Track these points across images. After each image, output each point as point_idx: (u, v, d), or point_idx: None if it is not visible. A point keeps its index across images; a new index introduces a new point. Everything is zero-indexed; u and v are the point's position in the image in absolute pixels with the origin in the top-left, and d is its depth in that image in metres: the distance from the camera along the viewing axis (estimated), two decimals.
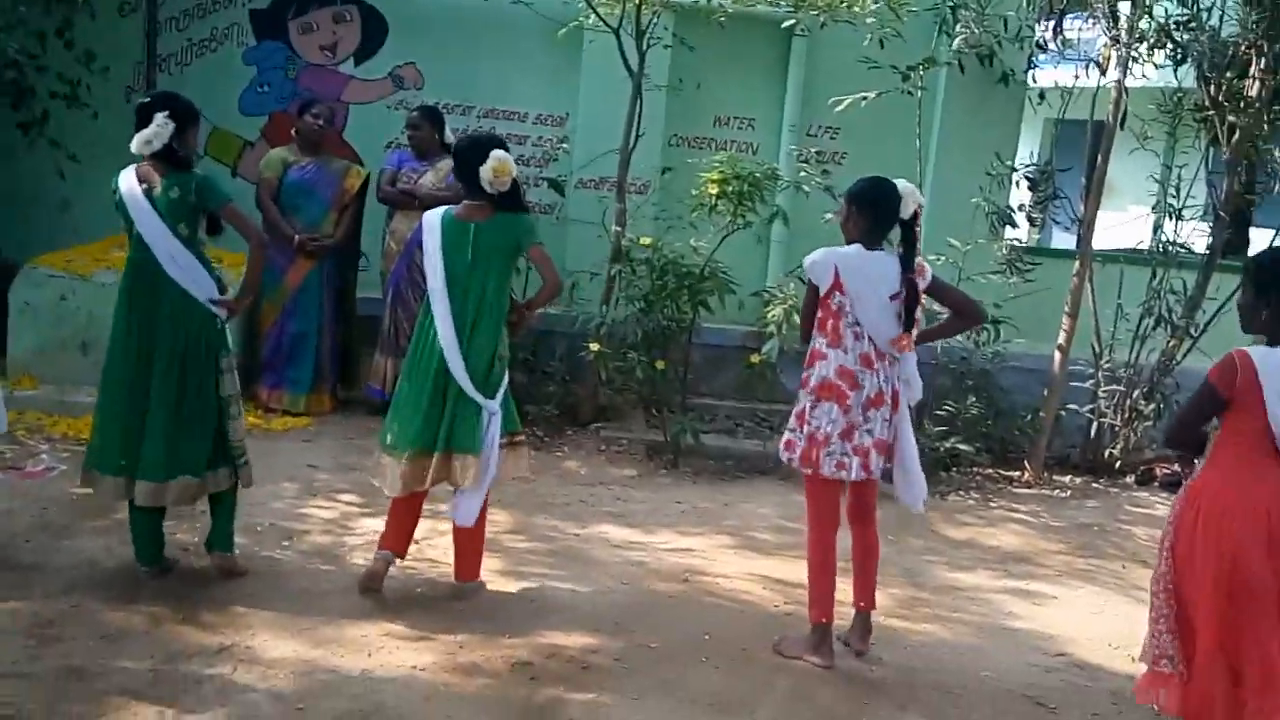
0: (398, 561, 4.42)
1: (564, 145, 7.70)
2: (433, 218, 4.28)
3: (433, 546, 4.72)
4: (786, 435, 4.13)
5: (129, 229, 4.22)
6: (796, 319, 6.24)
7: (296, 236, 6.69)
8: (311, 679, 3.64)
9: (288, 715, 3.41)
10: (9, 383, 6.32)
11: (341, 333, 7.05)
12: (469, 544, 4.41)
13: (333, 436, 6.48)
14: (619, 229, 6.87)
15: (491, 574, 4.62)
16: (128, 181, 4.20)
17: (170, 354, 4.14)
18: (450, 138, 7.08)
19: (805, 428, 4.02)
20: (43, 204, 7.40)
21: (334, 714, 3.43)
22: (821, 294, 4.01)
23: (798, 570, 4.55)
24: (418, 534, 4.53)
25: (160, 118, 4.15)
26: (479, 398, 4.20)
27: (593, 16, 6.90)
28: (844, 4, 6.75)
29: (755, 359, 6.81)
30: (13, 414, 6.00)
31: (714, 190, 6.49)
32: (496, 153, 4.16)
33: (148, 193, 4.15)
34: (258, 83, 7.81)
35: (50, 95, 6.91)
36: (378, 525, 4.99)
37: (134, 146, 4.18)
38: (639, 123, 6.97)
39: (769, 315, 6.70)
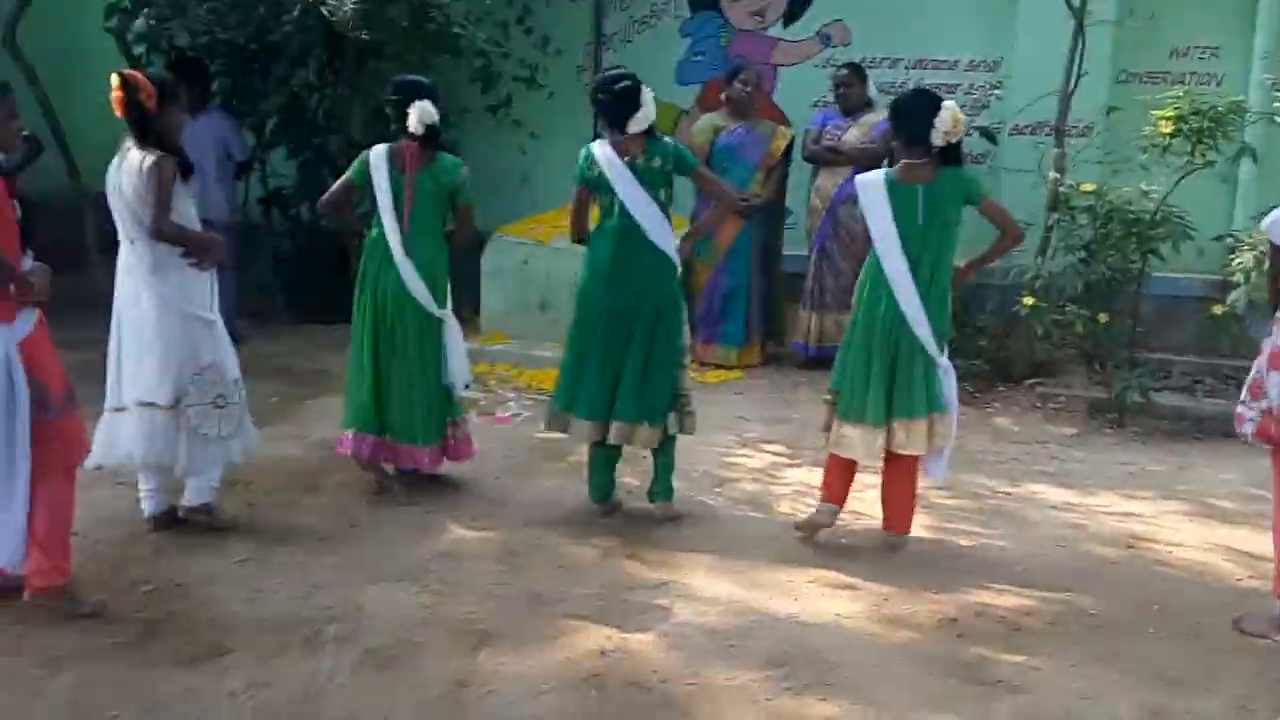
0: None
1: (996, 91, 7.34)
2: (873, 182, 4.20)
3: (859, 499, 4.72)
4: (1238, 408, 3.72)
5: (608, 198, 4.47)
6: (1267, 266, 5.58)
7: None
8: (742, 618, 3.77)
9: (720, 649, 3.55)
10: (481, 338, 7.06)
11: (770, 288, 7.20)
12: (902, 496, 4.37)
13: (761, 389, 6.65)
14: (1057, 175, 6.45)
15: (919, 529, 4.54)
16: (605, 154, 4.43)
17: (653, 312, 4.45)
18: (873, 93, 6.99)
19: (1262, 401, 3.60)
20: (507, 178, 8.15)
21: (762, 652, 3.53)
22: None
23: (1264, 542, 4.08)
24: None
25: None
26: (941, 358, 4.19)
27: None
28: None
29: (1219, 310, 6.15)
30: (484, 366, 6.73)
31: (1168, 129, 5.91)
32: (948, 103, 4.06)
33: (630, 163, 4.41)
34: (693, 52, 8.12)
35: (513, 79, 7.59)
36: (803, 476, 5.11)
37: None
38: (1081, 61, 6.48)
39: (1234, 263, 6.02)
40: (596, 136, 4.61)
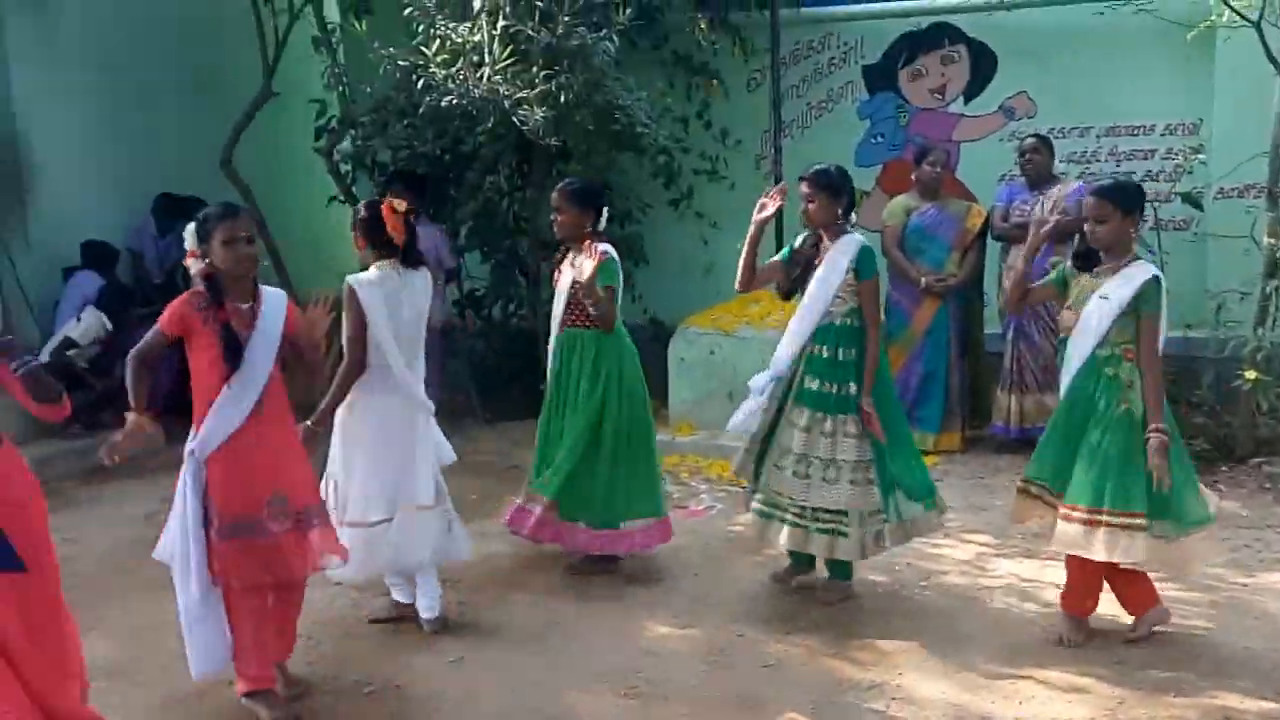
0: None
1: (1199, 156, 7.03)
2: None
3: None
4: None
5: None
6: None
7: (923, 280, 6.78)
8: None
9: None
10: (670, 429, 7.08)
11: (969, 370, 7.01)
12: (1136, 576, 4.12)
13: (960, 475, 6.43)
14: (1272, 240, 6.09)
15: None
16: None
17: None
18: (1057, 165, 6.80)
19: None
20: (690, 270, 8.23)
21: None
22: None
23: None
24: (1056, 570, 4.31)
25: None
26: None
27: (1227, 13, 6.23)
28: None
29: None
30: (674, 457, 6.74)
31: None
32: None
33: None
34: (871, 134, 8.10)
35: (694, 172, 7.71)
36: (1013, 568, 4.91)
37: None
38: None
39: None
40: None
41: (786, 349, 4.46)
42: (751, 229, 4.46)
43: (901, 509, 4.45)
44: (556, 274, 4.92)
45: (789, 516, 4.46)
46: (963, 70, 7.83)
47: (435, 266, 7.12)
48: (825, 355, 4.42)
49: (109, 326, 7.14)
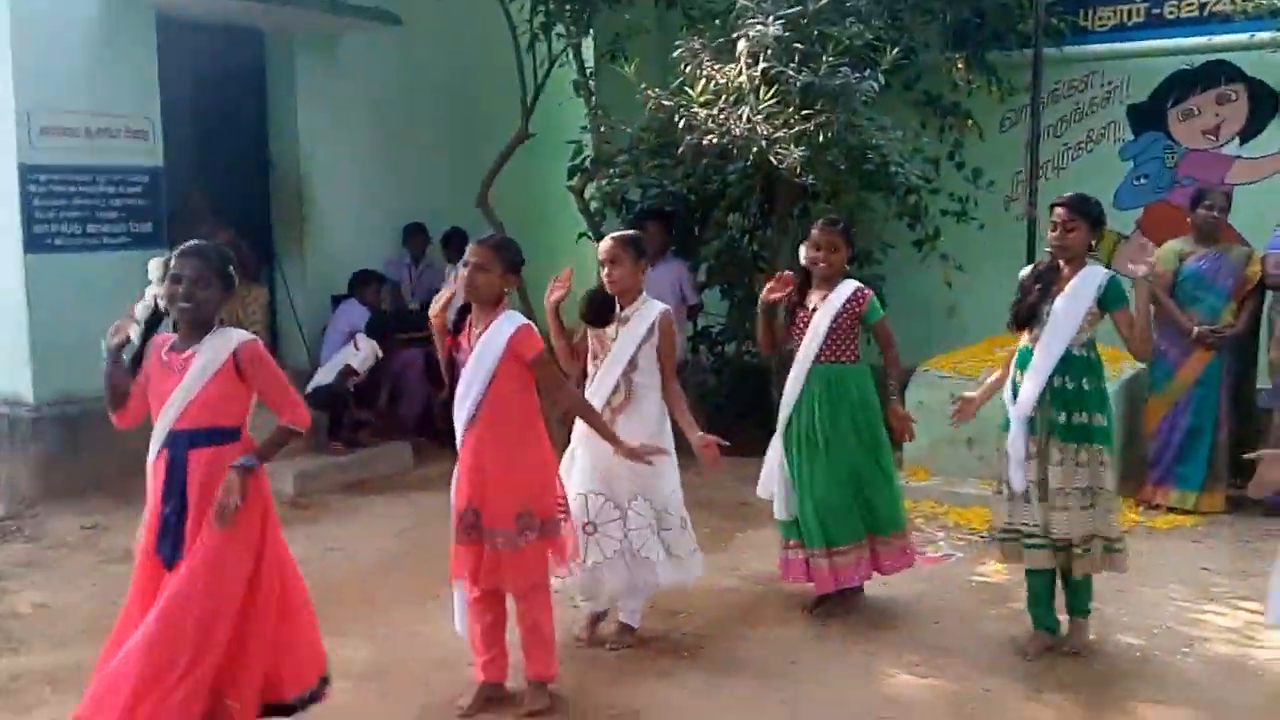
0: None
1: None
2: None
3: None
4: None
5: None
6: None
7: (1195, 329, 6.44)
8: None
9: None
10: (906, 473, 6.95)
11: (1238, 427, 6.57)
12: None
13: (1226, 538, 6.04)
14: None
15: None
16: None
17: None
18: None
19: None
20: (931, 312, 8.08)
21: None
22: None
23: None
24: None
25: None
26: None
27: None
28: None
29: None
30: (909, 502, 6.57)
31: None
32: None
33: None
34: (1134, 176, 7.78)
35: (941, 213, 7.60)
36: None
37: None
38: None
39: None
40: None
41: (1031, 385, 4.35)
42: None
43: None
44: (797, 310, 4.93)
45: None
46: (1240, 110, 7.43)
47: (678, 303, 7.33)
48: (1071, 387, 4.34)
49: (379, 354, 7.63)
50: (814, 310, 4.83)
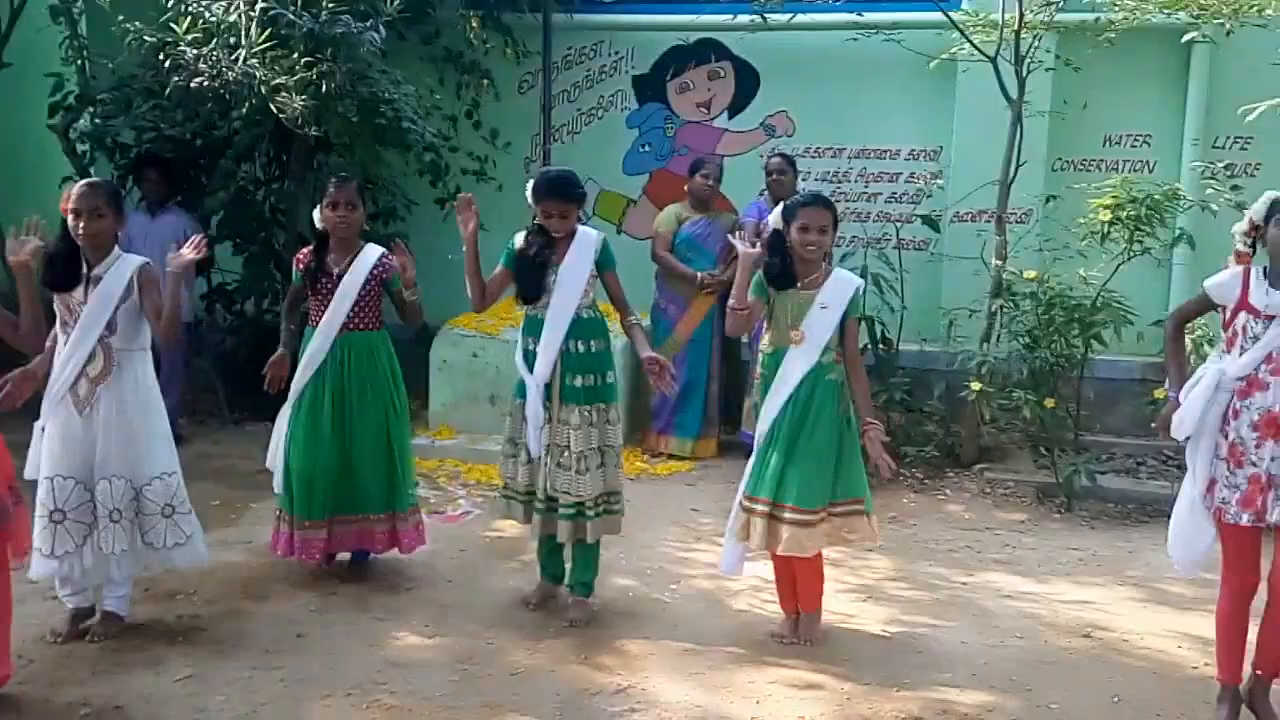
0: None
1: (938, 180, 7.49)
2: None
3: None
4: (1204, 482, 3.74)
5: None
6: (1208, 348, 5.68)
7: (699, 275, 6.92)
8: None
9: None
10: (431, 432, 6.97)
11: (728, 378, 7.21)
12: (811, 578, 4.37)
13: (714, 480, 6.62)
14: (999, 262, 6.56)
15: (876, 623, 4.52)
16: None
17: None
18: (801, 185, 7.08)
19: (1247, 469, 3.61)
20: (455, 270, 7.97)
21: None
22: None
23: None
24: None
25: None
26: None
27: (967, 47, 6.67)
28: (1252, 8, 6.06)
29: (1160, 393, 6.24)
30: (433, 462, 6.64)
31: (1106, 216, 6.04)
32: None
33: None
34: (639, 144, 8.23)
35: (462, 172, 7.62)
36: (759, 570, 5.04)
37: None
38: (1019, 151, 6.63)
39: None
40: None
41: (548, 352, 4.45)
42: (466, 247, 4.46)
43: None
44: (318, 275, 4.71)
45: (563, 510, 4.45)
46: (728, 86, 8.05)
47: None
48: (582, 350, 4.46)
49: None
50: (338, 275, 4.67)
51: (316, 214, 4.73)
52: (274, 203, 7.48)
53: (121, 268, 4.11)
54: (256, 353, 7.51)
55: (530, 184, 4.48)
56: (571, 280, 4.44)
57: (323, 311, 4.69)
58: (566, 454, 4.41)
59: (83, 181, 4.21)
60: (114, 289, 4.07)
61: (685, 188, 7.15)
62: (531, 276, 4.46)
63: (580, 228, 4.52)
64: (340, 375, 4.70)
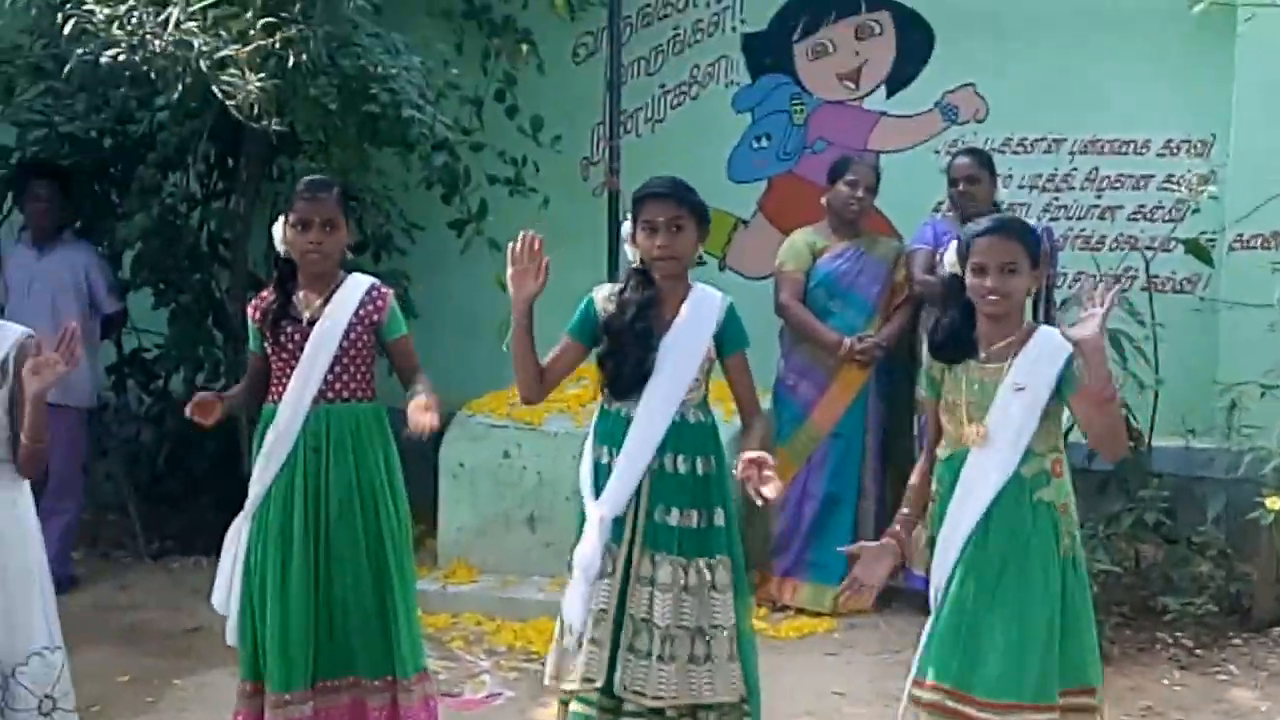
0: None
1: (1209, 188, 7.40)
2: None
3: None
4: None
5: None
6: None
7: (845, 341, 6.88)
8: None
9: None
10: (440, 573, 7.00)
11: (888, 492, 7.11)
12: None
13: (868, 648, 6.56)
14: None
15: None
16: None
17: None
18: (1002, 193, 7.00)
19: None
20: (477, 328, 8.13)
21: None
22: None
23: None
24: None
25: None
26: None
27: None
28: None
29: None
30: (443, 617, 6.67)
31: None
32: None
33: None
34: (753, 136, 8.29)
35: (489, 181, 7.70)
36: None
37: None
38: None
39: None
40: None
41: (631, 469, 4.44)
42: (516, 313, 4.39)
43: None
44: (280, 322, 4.82)
45: None
46: (886, 48, 8.11)
47: (82, 310, 7.03)
48: (683, 470, 4.46)
49: None
50: (309, 322, 4.76)
51: (278, 232, 4.81)
52: (214, 230, 7.64)
53: None
54: (185, 449, 7.70)
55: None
56: (680, 358, 4.42)
57: (288, 376, 4.77)
58: (645, 632, 4.37)
59: None
60: None
61: (823, 201, 7.14)
62: (631, 350, 4.43)
63: (697, 285, 4.52)
64: (317, 469, 4.75)
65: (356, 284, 4.82)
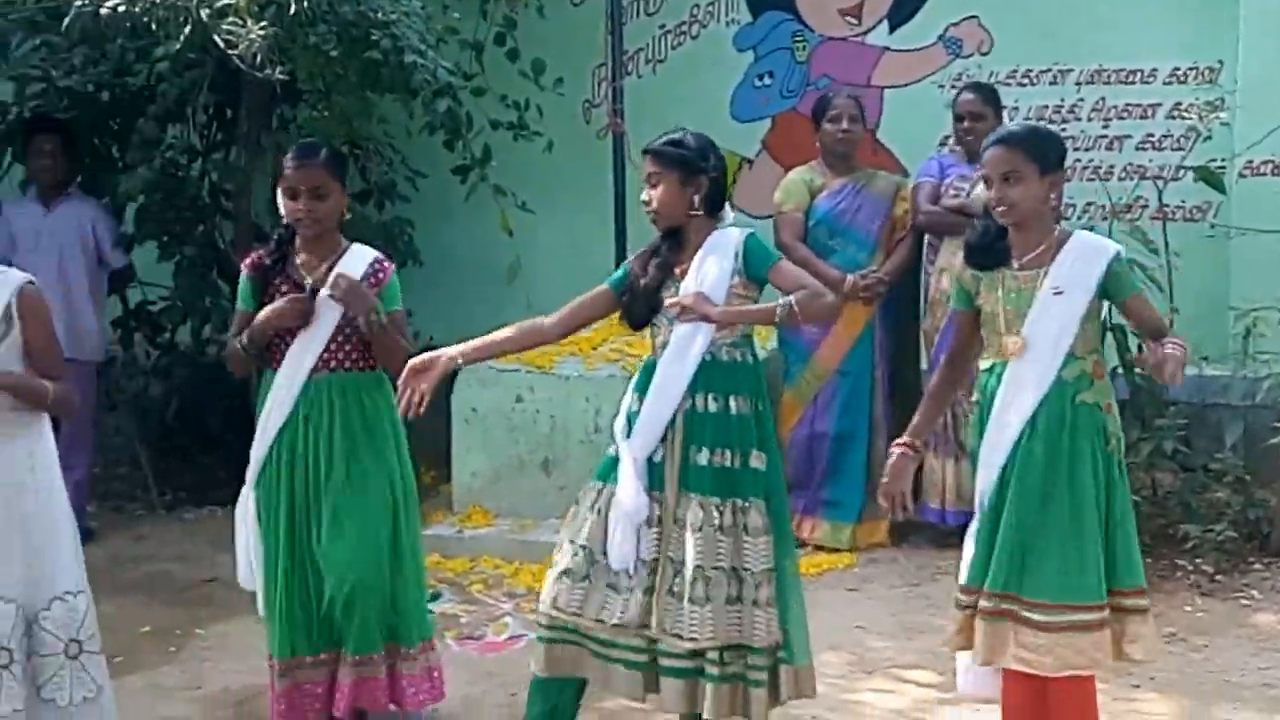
0: None
1: (1219, 115, 7.36)
2: None
3: None
4: None
5: None
6: None
7: (848, 278, 6.85)
8: None
9: None
10: (457, 517, 6.99)
11: (899, 428, 7.07)
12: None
13: (887, 580, 6.58)
14: None
15: None
16: None
17: None
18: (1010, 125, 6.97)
19: None
20: (487, 272, 8.17)
21: None
22: None
23: None
24: None
25: None
26: None
27: None
28: None
29: None
30: (462, 561, 6.68)
31: None
32: None
33: None
34: (755, 74, 8.25)
35: (492, 126, 7.69)
36: (963, 717, 4.98)
37: None
38: None
39: None
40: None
41: (658, 408, 4.44)
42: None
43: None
44: (270, 283, 4.78)
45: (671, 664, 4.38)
46: None
47: (90, 266, 7.07)
48: (715, 409, 4.44)
49: None
50: (310, 290, 4.70)
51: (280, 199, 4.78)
52: (216, 181, 7.62)
53: None
54: (195, 401, 7.69)
55: None
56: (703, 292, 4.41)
57: (286, 345, 4.74)
58: (681, 574, 4.33)
59: None
60: None
61: (816, 144, 7.11)
62: (647, 294, 4.46)
63: (719, 229, 4.48)
64: (317, 437, 4.72)
65: (361, 256, 4.78)
